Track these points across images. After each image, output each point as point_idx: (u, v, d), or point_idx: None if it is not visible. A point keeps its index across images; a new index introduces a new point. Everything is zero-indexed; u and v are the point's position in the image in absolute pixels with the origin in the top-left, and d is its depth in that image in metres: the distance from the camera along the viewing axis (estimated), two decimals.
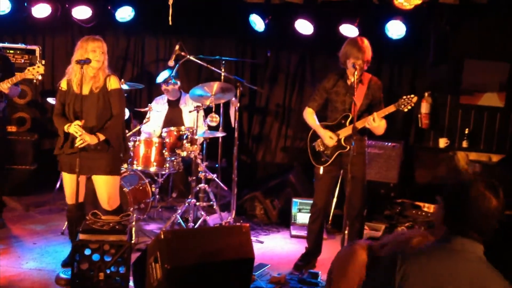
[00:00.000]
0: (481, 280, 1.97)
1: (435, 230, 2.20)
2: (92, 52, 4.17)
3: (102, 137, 4.16)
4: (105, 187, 4.29)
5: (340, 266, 2.61)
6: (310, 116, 4.68)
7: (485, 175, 5.16)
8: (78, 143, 4.04)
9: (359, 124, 4.35)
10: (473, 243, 2.04)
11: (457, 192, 2.11)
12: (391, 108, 4.37)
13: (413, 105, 4.35)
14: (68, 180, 4.29)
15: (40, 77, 4.74)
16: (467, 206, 2.05)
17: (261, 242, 5.39)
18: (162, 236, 3.31)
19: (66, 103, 4.25)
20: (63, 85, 4.30)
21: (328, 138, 4.50)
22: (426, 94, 6.47)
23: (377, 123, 4.32)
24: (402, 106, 4.34)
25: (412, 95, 4.35)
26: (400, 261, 2.01)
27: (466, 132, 6.43)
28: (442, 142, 6.51)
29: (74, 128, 4.06)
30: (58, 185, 6.05)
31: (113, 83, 4.29)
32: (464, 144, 6.42)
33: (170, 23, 5.41)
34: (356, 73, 4.25)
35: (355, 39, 4.54)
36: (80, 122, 4.08)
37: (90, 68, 4.20)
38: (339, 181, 5.24)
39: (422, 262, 2.00)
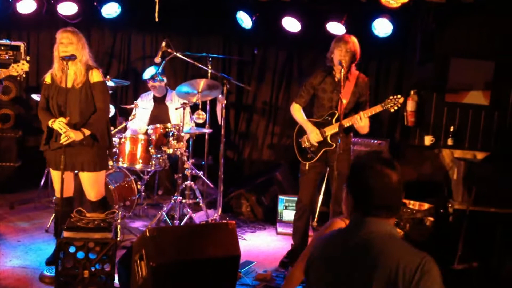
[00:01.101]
0: (376, 253, 1.94)
1: (349, 217, 2.19)
2: (60, 44, 4.14)
3: (87, 132, 4.13)
4: (90, 182, 4.29)
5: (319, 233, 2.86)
6: (297, 111, 4.69)
7: (467, 172, 5.23)
8: (62, 139, 4.01)
9: (346, 122, 4.37)
10: (380, 221, 2.02)
11: (356, 175, 2.10)
12: (377, 108, 4.40)
13: (399, 105, 4.39)
14: (56, 175, 4.27)
15: (24, 75, 4.67)
16: (367, 186, 2.03)
17: (247, 240, 5.39)
18: (148, 234, 3.29)
19: (49, 97, 4.21)
20: (47, 79, 4.26)
21: (314, 134, 4.50)
22: (412, 92, 6.51)
23: (363, 122, 4.34)
24: (389, 106, 4.37)
25: (399, 96, 4.38)
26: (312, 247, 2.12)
27: (451, 130, 6.48)
28: (428, 140, 6.55)
29: (58, 124, 4.02)
30: (42, 182, 6.01)
31: (96, 76, 4.25)
32: (449, 141, 6.47)
33: (157, 19, 5.38)
34: (342, 70, 4.27)
35: (341, 35, 4.61)
36: (65, 119, 4.04)
37: (64, 61, 4.13)
38: (326, 178, 5.25)
39: (320, 246, 2.10)
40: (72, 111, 4.15)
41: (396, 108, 4.40)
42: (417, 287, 1.87)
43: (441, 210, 5.45)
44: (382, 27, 6.15)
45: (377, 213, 2.02)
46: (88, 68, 4.24)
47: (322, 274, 2.06)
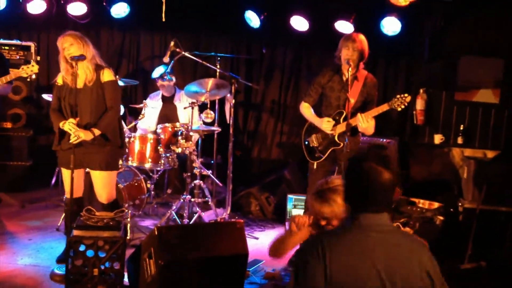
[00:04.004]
0: (395, 247, 2.09)
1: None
2: (63, 50, 4.15)
3: (97, 132, 4.15)
4: (102, 182, 4.30)
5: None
6: (306, 109, 4.70)
7: (477, 170, 5.20)
8: (72, 139, 4.04)
9: (353, 122, 4.36)
10: (377, 216, 2.14)
11: (352, 170, 2.25)
12: (384, 107, 4.38)
13: (406, 104, 4.35)
14: (66, 175, 4.28)
15: (34, 76, 4.70)
16: (361, 181, 2.16)
17: (256, 238, 5.40)
18: (156, 232, 3.31)
19: (61, 98, 4.25)
20: (59, 80, 4.30)
21: (325, 122, 4.49)
22: (421, 90, 6.48)
23: (365, 124, 4.32)
24: (396, 105, 4.35)
25: (406, 94, 4.36)
26: (324, 250, 2.07)
27: (461, 128, 6.44)
28: (437, 139, 6.52)
29: (68, 125, 4.06)
30: (53, 181, 6.06)
31: (107, 75, 4.26)
32: (459, 140, 6.43)
33: (163, 19, 5.40)
34: (350, 69, 4.26)
35: (349, 33, 4.60)
36: (75, 120, 4.07)
37: (73, 63, 4.14)
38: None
39: (339, 247, 2.09)
40: (83, 111, 4.18)
41: (403, 107, 4.37)
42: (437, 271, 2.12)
43: (451, 209, 5.42)
44: (391, 26, 6.13)
45: (367, 209, 2.14)
46: (98, 67, 4.27)
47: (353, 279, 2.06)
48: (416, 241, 2.18)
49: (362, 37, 4.45)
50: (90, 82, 4.21)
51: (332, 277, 2.03)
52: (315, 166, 4.60)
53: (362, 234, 2.10)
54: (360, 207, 2.16)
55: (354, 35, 4.44)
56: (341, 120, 4.50)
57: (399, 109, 4.38)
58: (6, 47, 6.46)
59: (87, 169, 4.41)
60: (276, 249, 3.11)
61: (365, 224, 2.12)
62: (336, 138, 4.50)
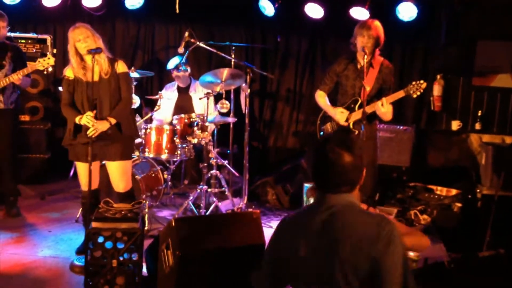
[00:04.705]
0: (346, 226, 2.09)
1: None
2: (78, 42, 4.14)
3: (113, 120, 4.20)
4: (118, 172, 4.35)
5: None
6: (321, 98, 4.69)
7: (495, 156, 5.14)
8: (90, 132, 4.07)
9: (369, 109, 4.34)
10: (338, 196, 2.16)
11: (316, 152, 2.26)
12: (400, 94, 4.35)
13: (422, 91, 4.33)
14: (82, 169, 4.32)
15: (50, 69, 4.75)
16: (322, 163, 2.18)
17: (273, 228, 5.40)
18: (173, 223, 3.33)
19: (77, 92, 4.26)
20: (69, 73, 4.27)
21: (339, 113, 4.49)
22: (438, 76, 6.42)
23: (385, 108, 4.30)
24: (411, 91, 4.32)
25: (422, 81, 4.32)
26: (277, 231, 2.33)
27: (479, 114, 6.37)
28: (455, 125, 6.46)
29: (86, 119, 4.08)
30: (72, 173, 6.13)
31: (122, 67, 4.32)
32: (477, 126, 6.37)
33: (177, 11, 5.38)
34: (365, 56, 4.23)
35: (364, 20, 4.56)
36: (92, 113, 4.10)
37: (86, 56, 4.17)
38: None
39: (286, 228, 2.28)
40: (103, 103, 4.22)
41: (418, 93, 4.34)
42: (386, 251, 2.01)
43: (469, 196, 5.39)
44: (407, 11, 6.05)
45: (331, 190, 2.17)
46: (112, 59, 4.31)
47: (291, 252, 2.18)
48: (376, 220, 2.09)
49: (377, 23, 4.40)
50: (107, 74, 4.23)
51: (278, 256, 2.24)
52: None
53: (314, 214, 2.16)
54: (323, 188, 2.20)
55: (369, 22, 4.40)
56: (357, 107, 4.47)
57: (415, 95, 4.36)
58: (23, 41, 6.52)
59: (103, 161, 4.45)
60: None
61: (326, 204, 2.16)
62: (351, 126, 4.48)
